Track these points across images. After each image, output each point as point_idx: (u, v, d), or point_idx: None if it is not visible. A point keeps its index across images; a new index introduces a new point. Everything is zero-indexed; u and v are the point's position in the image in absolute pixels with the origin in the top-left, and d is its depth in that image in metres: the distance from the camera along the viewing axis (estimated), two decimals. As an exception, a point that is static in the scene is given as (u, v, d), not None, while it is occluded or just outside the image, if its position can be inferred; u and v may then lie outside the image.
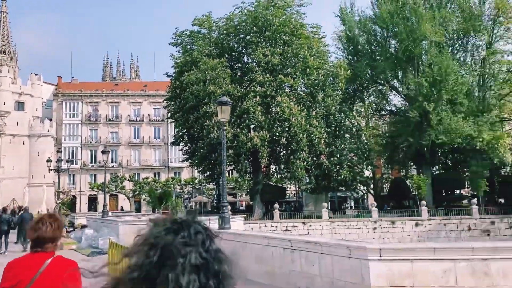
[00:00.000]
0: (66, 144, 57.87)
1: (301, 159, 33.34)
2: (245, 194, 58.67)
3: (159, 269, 1.05)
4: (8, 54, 76.28)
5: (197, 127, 33.62)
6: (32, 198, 36.52)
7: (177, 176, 60.19)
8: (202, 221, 1.19)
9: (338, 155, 34.72)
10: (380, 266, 6.34)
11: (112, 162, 61.71)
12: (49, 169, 33.21)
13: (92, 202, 59.39)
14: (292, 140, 32.50)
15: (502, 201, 40.97)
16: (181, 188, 56.83)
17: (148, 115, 63.29)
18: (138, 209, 55.50)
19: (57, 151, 35.96)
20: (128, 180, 54.07)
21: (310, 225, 32.67)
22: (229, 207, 11.81)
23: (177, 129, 38.64)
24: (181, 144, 38.42)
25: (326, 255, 7.34)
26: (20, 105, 54.81)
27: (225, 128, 12.36)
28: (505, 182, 40.21)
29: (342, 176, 34.12)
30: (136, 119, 63.00)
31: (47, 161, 32.69)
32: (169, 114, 39.00)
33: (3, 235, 16.26)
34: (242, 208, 54.94)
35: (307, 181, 38.40)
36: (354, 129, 37.26)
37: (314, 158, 35.30)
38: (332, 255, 7.24)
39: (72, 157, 57.36)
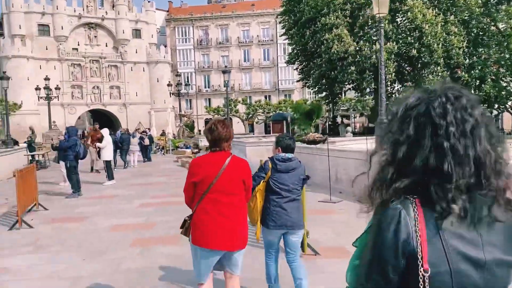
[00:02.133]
0: (181, 70, 59.31)
1: (435, 73, 29.18)
2: (359, 115, 55.58)
3: (417, 142, 1.05)
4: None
5: (314, 42, 30.92)
6: (156, 121, 38.43)
7: (288, 98, 58.83)
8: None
9: (479, 67, 29.62)
10: None
11: (224, 86, 62.43)
12: (170, 93, 33.99)
13: (208, 125, 61.57)
14: (424, 51, 28.34)
15: None
16: (292, 110, 55.47)
17: (257, 36, 61.52)
18: (251, 132, 56.22)
19: (176, 75, 36.35)
20: (241, 103, 54.34)
21: (444, 147, 29.17)
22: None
23: (291, 47, 36.27)
24: (296, 63, 36.17)
25: None
26: (137, 33, 56.79)
27: (382, 26, 9.82)
28: None
29: (485, 91, 29.29)
30: (246, 41, 61.77)
31: (168, 85, 33.33)
32: (283, 31, 36.45)
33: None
34: (356, 130, 52.24)
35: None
36: (500, 35, 31.14)
37: (449, 72, 30.77)
38: None
39: (188, 82, 58.99)
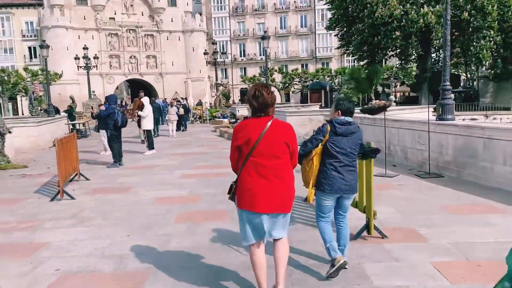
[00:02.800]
0: (216, 38, 58.51)
1: (487, 37, 27.21)
2: (400, 84, 53.36)
3: None
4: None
5: (356, 6, 29.29)
6: (193, 91, 38.16)
7: (326, 66, 57.09)
8: None
9: (538, 31, 27.33)
10: None
11: (260, 54, 61.31)
12: (206, 62, 33.42)
13: (244, 95, 60.98)
14: (476, 14, 26.30)
15: None
16: (330, 79, 53.94)
17: (294, 2, 59.49)
18: (287, 101, 55.20)
19: (213, 43, 35.64)
20: (277, 72, 53.18)
21: (495, 118, 27.44)
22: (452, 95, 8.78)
23: (331, 12, 34.59)
24: (336, 29, 34.55)
25: None
26: (172, 1, 56.02)
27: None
28: None
29: (544, 58, 27.11)
30: (282, 7, 59.92)
31: (204, 53, 32.74)
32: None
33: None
34: (397, 99, 50.27)
35: (488, 65, 32.03)
36: None
37: (503, 36, 28.59)
38: None
39: (223, 50, 58.28)
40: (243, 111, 26.62)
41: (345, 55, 52.50)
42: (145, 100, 13.46)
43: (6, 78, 37.03)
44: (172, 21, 55.74)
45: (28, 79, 39.05)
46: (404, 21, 26.87)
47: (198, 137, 18.23)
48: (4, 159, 11.45)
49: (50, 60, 48.78)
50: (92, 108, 14.27)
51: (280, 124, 3.13)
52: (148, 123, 13.12)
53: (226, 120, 24.96)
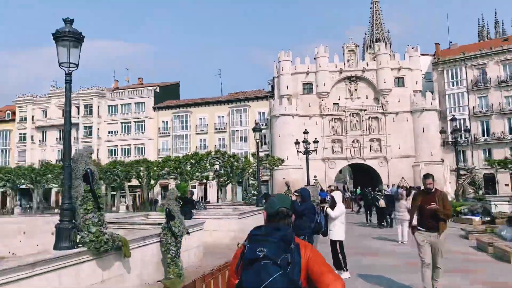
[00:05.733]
0: (451, 116, 50.96)
1: None
2: None
3: None
4: (383, 41, 77.43)
5: None
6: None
7: None
8: None
9: None
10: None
11: (509, 133, 50.14)
12: (443, 141, 27.38)
13: (489, 182, 49.85)
14: None
15: None
16: None
17: (558, 66, 47.43)
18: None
19: (451, 120, 29.45)
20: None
21: None
22: None
23: None
24: None
25: None
26: (399, 81, 52.60)
27: None
28: None
29: None
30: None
31: (441, 132, 26.93)
32: None
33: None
34: None
35: None
36: None
37: None
38: None
39: (466, 127, 50.11)
40: (503, 206, 19.17)
41: None
42: (337, 195, 8.97)
43: (235, 163, 38.94)
44: (399, 101, 51.75)
45: (254, 164, 40.37)
46: None
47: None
48: (175, 270, 8.60)
49: (277, 145, 51.28)
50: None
51: None
52: (339, 231, 8.58)
53: (477, 219, 18.10)
